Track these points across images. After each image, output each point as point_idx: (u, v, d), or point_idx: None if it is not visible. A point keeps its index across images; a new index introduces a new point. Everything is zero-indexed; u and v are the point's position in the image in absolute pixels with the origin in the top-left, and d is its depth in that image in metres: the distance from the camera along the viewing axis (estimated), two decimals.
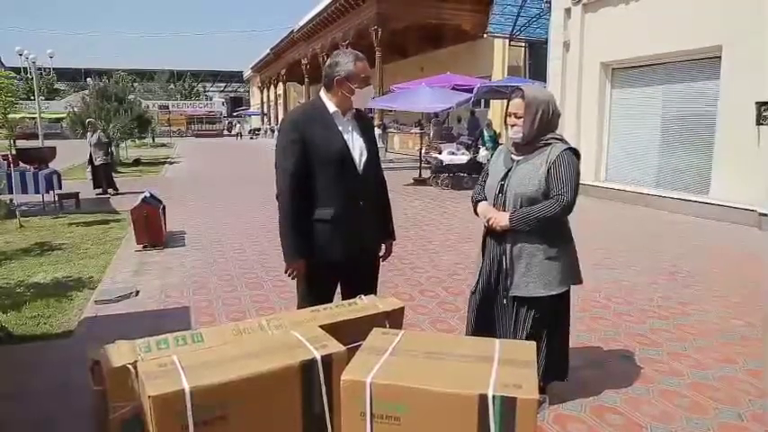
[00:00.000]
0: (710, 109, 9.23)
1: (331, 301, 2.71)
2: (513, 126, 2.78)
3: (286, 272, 2.69)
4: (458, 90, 14.83)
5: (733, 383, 3.28)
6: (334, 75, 2.61)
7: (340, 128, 2.66)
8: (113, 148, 18.67)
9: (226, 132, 51.55)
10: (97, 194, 12.23)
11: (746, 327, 4.21)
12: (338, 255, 2.67)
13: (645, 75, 10.69)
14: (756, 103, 8.13)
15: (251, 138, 43.19)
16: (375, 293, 2.55)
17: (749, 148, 8.33)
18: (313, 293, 2.69)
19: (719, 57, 8.88)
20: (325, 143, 2.60)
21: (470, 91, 14.47)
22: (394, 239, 3.02)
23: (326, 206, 2.62)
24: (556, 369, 2.94)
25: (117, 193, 12.30)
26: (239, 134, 45.67)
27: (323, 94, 2.71)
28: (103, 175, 12.75)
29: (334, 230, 2.64)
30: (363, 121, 2.81)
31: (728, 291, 5.09)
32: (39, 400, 3.16)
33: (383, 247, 2.96)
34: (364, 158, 2.69)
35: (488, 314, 2.90)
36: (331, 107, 2.67)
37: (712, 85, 9.20)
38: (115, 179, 13.35)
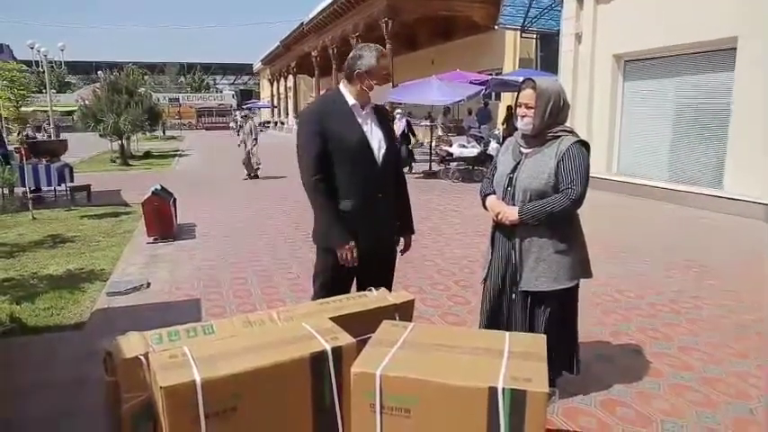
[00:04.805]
0: (724, 102, 9.11)
1: (348, 292, 2.72)
2: (523, 117, 2.75)
3: (341, 258, 2.64)
4: (473, 83, 14.73)
5: (745, 378, 3.26)
6: (356, 68, 2.61)
7: (359, 120, 2.66)
8: (125, 141, 18.81)
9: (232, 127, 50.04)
10: None
11: (759, 322, 4.17)
12: (358, 246, 2.67)
13: (658, 67, 10.56)
14: None
15: (260, 130, 42.90)
16: (390, 287, 2.54)
17: (764, 141, 8.22)
18: (330, 285, 2.70)
19: (735, 48, 8.75)
20: (345, 135, 2.60)
21: (482, 84, 14.39)
22: (413, 233, 3.02)
23: (346, 198, 2.63)
24: (565, 362, 2.93)
25: None
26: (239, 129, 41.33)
27: (342, 86, 2.71)
28: None
29: (354, 222, 2.64)
30: (381, 114, 2.81)
31: (742, 285, 5.05)
32: (53, 392, 3.19)
33: (401, 240, 2.96)
34: (383, 151, 2.69)
35: (499, 308, 2.89)
36: (350, 100, 2.66)
37: (727, 78, 9.08)
38: (126, 171, 13.35)
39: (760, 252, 6.35)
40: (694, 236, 7.15)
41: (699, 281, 5.20)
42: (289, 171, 12.39)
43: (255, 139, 13.69)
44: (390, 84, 2.73)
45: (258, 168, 13.76)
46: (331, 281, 2.72)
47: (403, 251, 2.99)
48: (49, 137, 16.03)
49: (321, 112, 2.67)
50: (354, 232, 2.65)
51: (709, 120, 9.56)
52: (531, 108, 2.70)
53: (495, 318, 2.90)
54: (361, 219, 2.64)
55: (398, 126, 14.42)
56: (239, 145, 14.02)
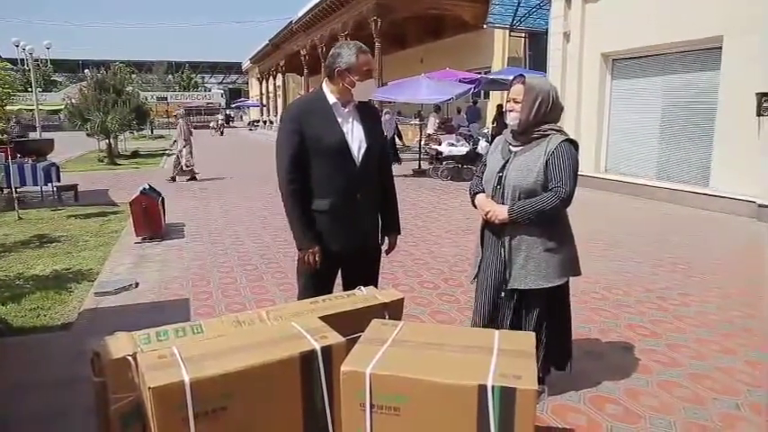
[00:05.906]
0: (711, 100, 9.20)
1: (331, 292, 2.70)
2: (510, 111, 2.77)
3: (305, 260, 2.66)
4: (462, 81, 14.75)
5: (732, 374, 3.29)
6: (336, 66, 2.60)
7: (339, 119, 2.64)
8: (112, 140, 18.64)
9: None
10: None
11: (746, 318, 4.21)
12: (335, 246, 2.67)
13: (645, 65, 10.65)
14: (757, 93, 8.09)
15: (249, 129, 42.74)
16: (376, 286, 2.54)
17: (749, 139, 8.31)
18: (313, 284, 2.70)
19: (720, 47, 8.84)
20: (323, 134, 2.59)
21: (471, 82, 14.42)
22: (399, 233, 2.99)
23: (323, 197, 2.63)
24: (555, 360, 2.95)
25: None
26: (221, 127, 38.84)
27: (324, 84, 2.69)
28: None
29: (331, 222, 2.64)
30: (368, 113, 2.78)
31: (729, 282, 5.10)
32: (44, 392, 3.16)
33: (386, 240, 2.95)
34: (363, 151, 2.67)
35: (489, 307, 2.89)
36: (331, 98, 2.65)
37: (713, 76, 9.16)
38: (113, 171, 13.25)
39: (746, 249, 6.42)
40: (681, 233, 7.21)
41: (686, 278, 5.25)
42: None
43: (186, 140, 13.05)
44: (373, 79, 2.70)
45: (191, 170, 13.11)
46: (313, 279, 2.72)
47: (387, 251, 2.97)
48: (20, 136, 15.60)
49: (301, 111, 2.66)
50: (331, 232, 2.65)
51: (696, 118, 9.64)
52: (519, 103, 2.72)
53: (485, 316, 2.90)
54: (340, 218, 2.64)
55: (386, 127, 14.47)
56: (171, 145, 13.15)
